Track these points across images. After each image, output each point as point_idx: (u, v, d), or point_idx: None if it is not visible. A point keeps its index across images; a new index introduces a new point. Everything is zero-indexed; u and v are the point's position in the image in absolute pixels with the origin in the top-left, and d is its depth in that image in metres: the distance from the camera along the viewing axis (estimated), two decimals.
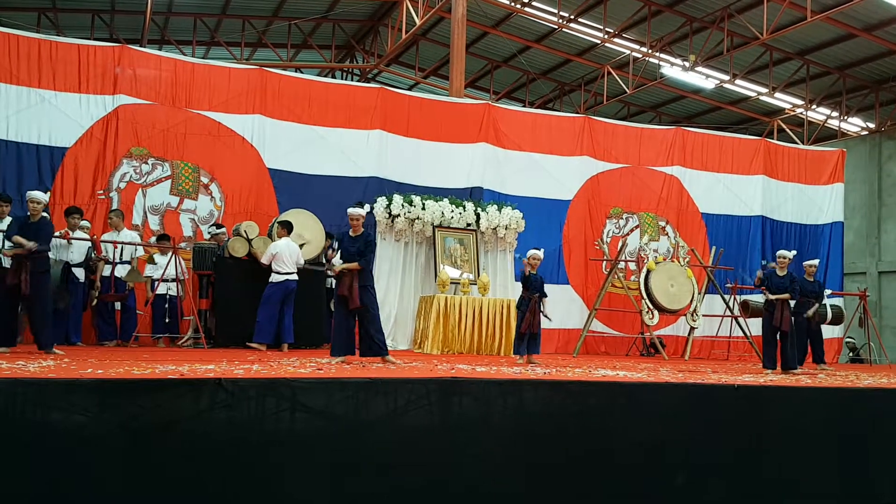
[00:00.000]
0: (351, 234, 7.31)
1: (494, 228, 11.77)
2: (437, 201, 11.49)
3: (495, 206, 11.88)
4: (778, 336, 8.67)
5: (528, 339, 8.58)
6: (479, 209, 11.73)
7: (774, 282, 8.77)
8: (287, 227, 9.44)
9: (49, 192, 7.04)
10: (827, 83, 19.43)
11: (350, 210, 7.37)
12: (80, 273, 9.17)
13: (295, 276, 9.22)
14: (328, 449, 4.25)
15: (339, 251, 7.51)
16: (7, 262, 6.83)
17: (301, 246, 9.63)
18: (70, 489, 3.74)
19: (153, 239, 10.48)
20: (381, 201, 11.28)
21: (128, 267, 9.54)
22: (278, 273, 9.12)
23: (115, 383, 3.99)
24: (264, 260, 9.20)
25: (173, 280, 9.63)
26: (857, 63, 18.40)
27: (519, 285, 8.97)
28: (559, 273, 13.17)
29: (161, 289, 9.83)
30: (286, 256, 9.15)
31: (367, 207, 7.65)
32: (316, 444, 4.23)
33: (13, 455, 3.66)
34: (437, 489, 4.48)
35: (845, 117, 20.49)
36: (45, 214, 7.02)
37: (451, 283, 10.85)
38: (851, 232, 19.01)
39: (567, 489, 4.81)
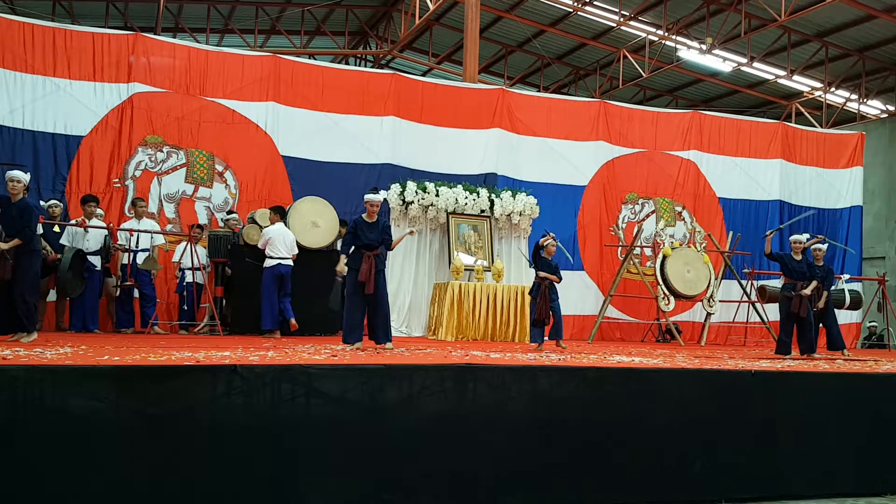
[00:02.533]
0: (367, 219, 7.08)
1: (508, 215, 11.73)
2: (450, 188, 11.45)
3: (509, 193, 11.83)
4: (797, 323, 8.29)
5: (553, 325, 8.27)
6: (493, 195, 11.69)
7: (793, 266, 8.31)
8: (279, 213, 9.45)
9: (28, 173, 6.95)
10: (846, 65, 19.16)
11: (368, 196, 7.12)
12: (96, 261, 9.23)
13: (288, 262, 9.22)
14: (343, 435, 4.26)
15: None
16: None
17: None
18: (87, 475, 3.77)
19: (168, 226, 10.54)
20: (395, 188, 11.26)
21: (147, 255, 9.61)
22: (270, 258, 9.16)
23: (131, 370, 4.01)
24: (259, 245, 9.25)
25: (194, 268, 9.68)
26: (876, 45, 18.14)
27: (532, 272, 8.83)
28: (574, 259, 13.11)
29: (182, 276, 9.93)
30: (279, 241, 9.18)
31: (382, 193, 7.44)
32: (331, 430, 4.25)
33: (31, 441, 3.70)
34: (451, 475, 4.48)
35: (865, 100, 20.21)
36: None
37: (466, 269, 10.84)
38: (870, 216, 18.76)
39: (582, 475, 4.81)
